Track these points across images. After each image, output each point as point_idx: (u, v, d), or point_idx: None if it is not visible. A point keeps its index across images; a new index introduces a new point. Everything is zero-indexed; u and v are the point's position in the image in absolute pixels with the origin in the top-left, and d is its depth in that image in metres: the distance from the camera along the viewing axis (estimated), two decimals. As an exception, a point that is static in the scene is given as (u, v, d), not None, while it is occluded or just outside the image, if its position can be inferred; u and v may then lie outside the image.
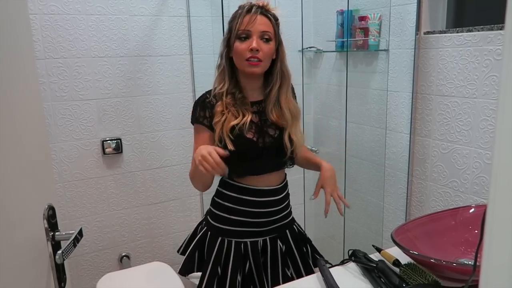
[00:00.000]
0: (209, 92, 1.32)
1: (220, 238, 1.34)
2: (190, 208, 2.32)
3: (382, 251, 1.17)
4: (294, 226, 1.46)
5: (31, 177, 0.74)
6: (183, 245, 1.49)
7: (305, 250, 1.44)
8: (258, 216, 1.33)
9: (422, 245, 1.08)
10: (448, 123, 1.67)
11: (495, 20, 1.47)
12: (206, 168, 1.09)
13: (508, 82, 0.34)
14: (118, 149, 2.05)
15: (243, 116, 1.26)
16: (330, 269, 1.11)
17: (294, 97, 1.42)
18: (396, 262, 1.08)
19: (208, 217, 1.41)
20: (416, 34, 1.75)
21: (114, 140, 2.04)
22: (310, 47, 2.42)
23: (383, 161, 2.03)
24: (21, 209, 0.70)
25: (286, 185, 1.42)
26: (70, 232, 0.78)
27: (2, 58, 0.66)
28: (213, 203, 1.40)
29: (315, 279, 1.10)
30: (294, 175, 2.55)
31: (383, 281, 1.03)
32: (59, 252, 0.72)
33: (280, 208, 1.37)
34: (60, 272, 0.77)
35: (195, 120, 1.30)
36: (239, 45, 1.23)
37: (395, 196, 1.99)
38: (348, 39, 2.08)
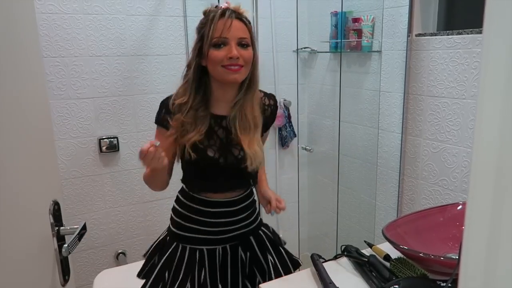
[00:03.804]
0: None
1: (175, 243, 1.28)
2: (186, 205, 2.35)
3: (373, 247, 1.21)
4: (261, 232, 1.37)
5: (37, 173, 0.76)
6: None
7: (274, 256, 1.33)
8: (213, 226, 1.26)
9: (411, 241, 1.12)
10: (439, 123, 1.72)
11: (484, 23, 1.51)
12: (147, 160, 1.05)
13: (486, 83, 0.38)
14: (115, 147, 2.07)
15: (197, 131, 1.18)
16: (324, 264, 1.15)
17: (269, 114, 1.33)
18: (387, 257, 1.12)
19: (170, 225, 1.35)
20: (408, 36, 1.79)
21: (111, 138, 2.06)
22: (304, 48, 2.46)
23: (376, 160, 2.08)
24: (28, 205, 0.73)
25: (247, 196, 1.33)
26: (75, 227, 0.81)
27: (11, 56, 0.69)
28: (172, 209, 1.35)
29: (309, 273, 1.14)
30: (285, 174, 2.60)
31: (374, 274, 1.07)
32: (65, 245, 0.75)
33: (239, 218, 1.29)
34: (64, 265, 0.80)
35: (158, 121, 1.24)
36: (215, 53, 1.13)
37: (387, 194, 2.04)
38: (342, 40, 2.12)
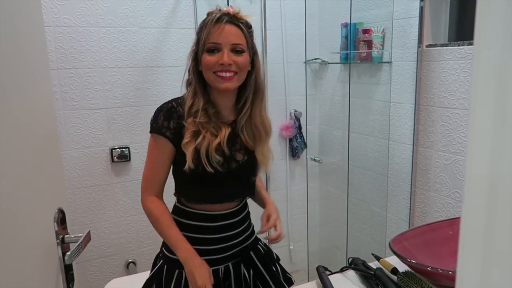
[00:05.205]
0: (175, 100, 1.18)
1: (177, 271, 1.15)
2: (196, 216, 2.35)
3: (381, 260, 1.19)
4: (259, 246, 1.29)
5: (42, 181, 0.78)
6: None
7: (274, 269, 1.27)
8: (217, 242, 1.18)
9: (419, 254, 1.10)
10: (450, 134, 1.69)
11: (495, 34, 1.49)
12: None
13: (478, 94, 0.38)
14: (127, 157, 2.10)
15: (221, 132, 1.12)
16: (329, 276, 1.13)
17: None
18: (394, 270, 1.11)
19: (163, 249, 1.23)
20: (419, 47, 1.78)
21: (123, 148, 2.09)
22: (315, 59, 2.47)
23: (386, 172, 2.05)
24: (33, 212, 0.74)
25: (245, 205, 1.27)
26: (79, 235, 0.82)
27: (18, 68, 0.71)
28: None
29: (314, 286, 1.12)
30: (296, 185, 2.58)
31: (380, 288, 1.05)
32: (68, 253, 0.76)
33: (240, 230, 1.23)
34: (68, 273, 0.81)
35: (156, 129, 1.14)
36: (208, 58, 1.09)
37: (398, 207, 2.00)
38: (352, 51, 2.12)
